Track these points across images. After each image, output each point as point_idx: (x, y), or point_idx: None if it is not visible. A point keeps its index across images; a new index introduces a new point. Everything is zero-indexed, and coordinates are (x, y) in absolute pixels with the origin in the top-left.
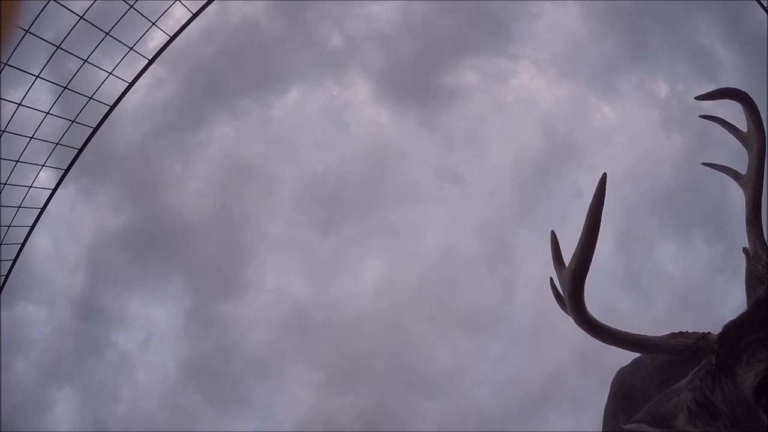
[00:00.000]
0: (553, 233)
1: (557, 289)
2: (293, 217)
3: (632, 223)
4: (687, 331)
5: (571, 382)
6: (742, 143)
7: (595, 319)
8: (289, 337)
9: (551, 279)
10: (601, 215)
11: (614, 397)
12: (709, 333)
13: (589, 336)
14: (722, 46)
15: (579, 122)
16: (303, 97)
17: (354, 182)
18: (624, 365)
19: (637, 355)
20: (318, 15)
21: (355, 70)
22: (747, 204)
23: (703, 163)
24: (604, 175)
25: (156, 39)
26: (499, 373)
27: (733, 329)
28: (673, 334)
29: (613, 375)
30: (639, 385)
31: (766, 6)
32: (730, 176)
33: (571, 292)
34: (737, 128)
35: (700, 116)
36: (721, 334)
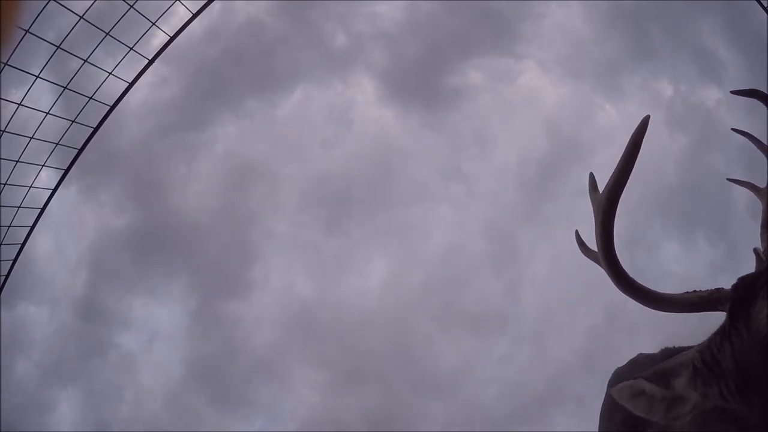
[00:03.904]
0: (591, 174)
1: (581, 239)
2: (298, 217)
3: (636, 222)
4: (699, 290)
5: (576, 382)
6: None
7: (619, 261)
8: (294, 336)
9: (576, 231)
10: (641, 144)
11: (611, 396)
12: (722, 288)
13: (615, 286)
14: (725, 46)
15: (583, 122)
16: (307, 97)
17: (359, 181)
18: (620, 366)
19: (634, 356)
20: (322, 14)
21: (360, 70)
22: (764, 211)
23: (728, 179)
24: (647, 117)
25: (159, 37)
26: (504, 373)
27: (749, 277)
28: (686, 292)
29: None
30: None
31: (766, 6)
32: (750, 189)
33: (604, 210)
34: (764, 143)
35: (732, 129)
36: (735, 283)
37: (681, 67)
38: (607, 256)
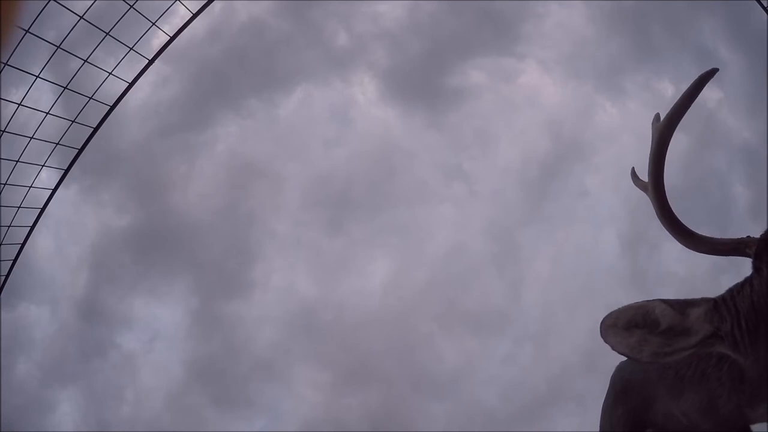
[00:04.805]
0: (657, 113)
1: (636, 175)
2: (300, 216)
3: (637, 223)
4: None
5: (578, 382)
6: None
7: (665, 190)
8: (296, 336)
9: (632, 168)
10: (702, 87)
11: (614, 390)
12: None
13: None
14: (725, 46)
15: (585, 122)
16: (309, 97)
17: (361, 181)
18: (622, 360)
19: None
20: (324, 13)
21: (362, 69)
22: None
23: None
24: (716, 69)
25: (160, 37)
26: (506, 372)
27: None
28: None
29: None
30: (638, 376)
31: (766, 6)
32: None
33: (662, 133)
34: None
35: None
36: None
37: (682, 67)
38: (655, 181)
